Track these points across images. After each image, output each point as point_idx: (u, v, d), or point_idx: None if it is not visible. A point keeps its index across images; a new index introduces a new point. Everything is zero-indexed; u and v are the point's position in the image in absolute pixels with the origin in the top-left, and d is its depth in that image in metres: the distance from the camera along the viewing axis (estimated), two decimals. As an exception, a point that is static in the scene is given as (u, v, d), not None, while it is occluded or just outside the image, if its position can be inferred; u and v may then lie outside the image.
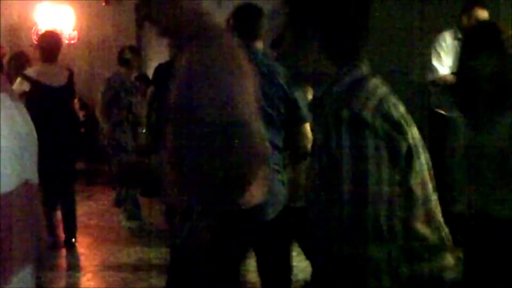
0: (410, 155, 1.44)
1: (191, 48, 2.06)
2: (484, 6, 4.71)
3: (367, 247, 1.37)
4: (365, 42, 1.55)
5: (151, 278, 4.44)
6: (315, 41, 1.51)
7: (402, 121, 1.46)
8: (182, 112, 2.04)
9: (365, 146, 1.38)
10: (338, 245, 1.41)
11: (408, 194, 1.44)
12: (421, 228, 1.47)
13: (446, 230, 1.58)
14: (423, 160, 1.50)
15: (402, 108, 1.50)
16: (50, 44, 5.01)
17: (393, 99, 1.49)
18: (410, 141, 1.45)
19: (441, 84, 4.77)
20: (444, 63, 4.76)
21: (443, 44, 4.80)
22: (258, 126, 2.00)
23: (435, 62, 4.80)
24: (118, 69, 5.86)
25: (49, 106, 4.70)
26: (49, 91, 4.82)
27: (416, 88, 5.54)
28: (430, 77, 4.86)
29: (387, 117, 1.42)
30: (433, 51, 4.84)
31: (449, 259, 1.54)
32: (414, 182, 1.45)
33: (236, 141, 1.93)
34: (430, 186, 1.53)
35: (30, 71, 4.99)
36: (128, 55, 5.79)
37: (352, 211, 1.38)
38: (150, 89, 5.30)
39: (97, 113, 5.91)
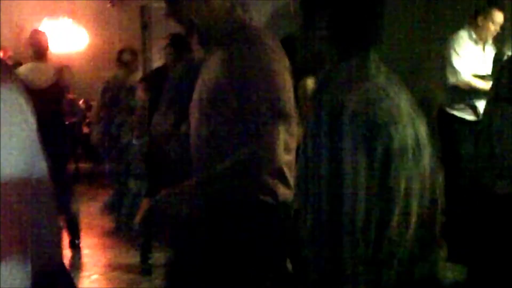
0: (388, 156, 1.33)
1: (228, 45, 2.08)
2: (501, 8, 4.54)
3: (341, 243, 1.30)
4: (376, 36, 1.49)
5: (155, 279, 4.43)
6: (323, 27, 1.47)
7: (389, 121, 1.35)
8: (217, 106, 2.07)
9: (342, 133, 1.30)
10: (314, 237, 1.35)
11: (385, 194, 1.34)
12: (395, 233, 1.36)
13: (434, 240, 1.48)
14: (412, 165, 1.38)
15: (398, 108, 1.40)
16: (38, 43, 5.00)
17: (384, 98, 1.39)
18: (395, 142, 1.34)
19: (464, 88, 4.53)
20: (465, 64, 4.53)
21: (463, 45, 4.58)
22: (294, 122, 2.06)
23: (456, 64, 4.55)
24: (116, 72, 5.79)
25: (35, 108, 4.62)
26: (34, 93, 4.77)
27: (424, 89, 5.45)
28: (452, 80, 4.57)
29: (367, 112, 1.34)
30: (452, 52, 4.58)
31: (430, 269, 1.45)
32: (394, 184, 1.34)
33: (276, 134, 1.97)
34: (418, 192, 1.41)
35: (19, 70, 4.95)
36: (127, 57, 5.74)
37: (328, 201, 1.31)
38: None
39: (92, 115, 5.88)
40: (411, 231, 1.40)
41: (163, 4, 2.20)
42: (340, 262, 1.30)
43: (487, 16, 4.54)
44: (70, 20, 8.62)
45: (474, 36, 4.59)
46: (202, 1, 2.12)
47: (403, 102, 1.43)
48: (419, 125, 1.45)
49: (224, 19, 2.13)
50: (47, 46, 5.07)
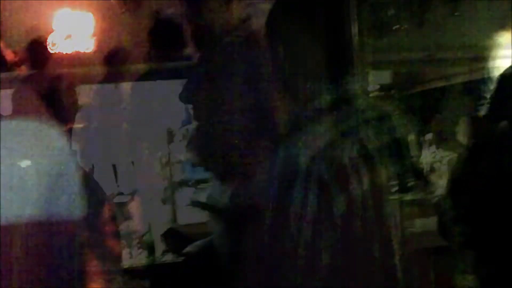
0: (353, 207, 1.11)
1: (235, 53, 2.12)
2: None
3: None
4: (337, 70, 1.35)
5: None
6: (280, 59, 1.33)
7: (359, 163, 1.15)
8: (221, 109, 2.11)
9: (290, 194, 1.13)
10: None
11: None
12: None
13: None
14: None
15: (374, 142, 1.18)
16: (36, 54, 5.00)
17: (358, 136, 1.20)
18: (362, 187, 1.13)
19: None
20: None
21: None
22: None
23: None
24: (104, 73, 5.80)
25: None
26: None
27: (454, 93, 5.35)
28: None
29: (332, 162, 1.14)
30: None
31: None
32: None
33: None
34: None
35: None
36: (114, 57, 5.74)
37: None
38: None
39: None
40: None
41: (173, 11, 2.23)
42: None
43: None
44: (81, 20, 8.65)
45: None
46: (223, 4, 2.16)
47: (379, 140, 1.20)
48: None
49: (239, 24, 2.16)
50: (46, 53, 5.07)
